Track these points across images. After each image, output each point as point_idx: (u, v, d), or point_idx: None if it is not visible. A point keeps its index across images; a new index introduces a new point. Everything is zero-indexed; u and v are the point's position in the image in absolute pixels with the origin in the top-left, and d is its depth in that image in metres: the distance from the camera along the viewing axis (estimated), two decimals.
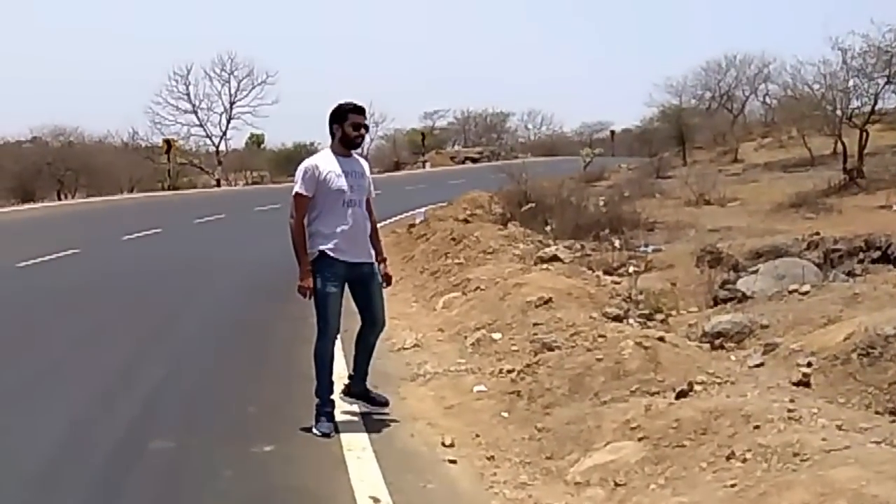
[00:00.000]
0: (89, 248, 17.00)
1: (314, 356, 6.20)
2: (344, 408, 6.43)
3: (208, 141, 54.52)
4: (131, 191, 41.36)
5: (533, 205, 19.05)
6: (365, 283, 6.29)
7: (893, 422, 5.19)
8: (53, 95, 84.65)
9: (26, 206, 31.80)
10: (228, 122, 54.73)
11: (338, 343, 6.53)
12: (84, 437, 5.91)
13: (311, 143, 58.97)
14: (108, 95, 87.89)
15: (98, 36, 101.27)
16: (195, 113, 53.95)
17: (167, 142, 46.03)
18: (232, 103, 54.69)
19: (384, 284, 6.47)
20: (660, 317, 9.36)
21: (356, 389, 6.47)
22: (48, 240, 17.93)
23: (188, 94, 53.58)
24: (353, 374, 6.50)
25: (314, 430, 5.96)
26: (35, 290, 12.38)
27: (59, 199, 37.53)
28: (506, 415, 6.30)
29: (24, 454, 5.54)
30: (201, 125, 54.18)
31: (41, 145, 43.98)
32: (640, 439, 5.18)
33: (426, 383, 7.29)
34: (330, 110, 6.18)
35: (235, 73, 54.46)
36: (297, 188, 6.07)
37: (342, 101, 6.22)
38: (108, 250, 17.44)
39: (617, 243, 15.02)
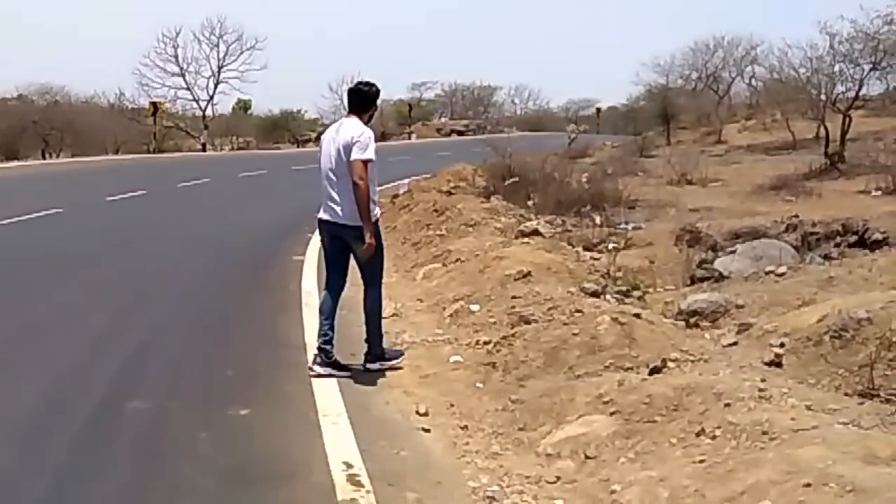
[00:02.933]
0: (73, 208, 16.87)
1: (375, 304, 6.77)
2: (320, 374, 6.48)
3: (195, 105, 54.09)
4: (116, 152, 40.92)
5: (516, 179, 19.05)
6: None
7: (861, 404, 5.25)
8: (40, 54, 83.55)
9: (10, 164, 31.44)
10: (216, 86, 54.30)
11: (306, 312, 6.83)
12: (62, 398, 5.92)
13: (299, 111, 58.84)
14: (96, 55, 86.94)
15: None
16: (183, 76, 53.50)
17: (154, 104, 45.56)
18: (220, 67, 54.21)
19: None
20: (637, 294, 9.44)
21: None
22: (31, 198, 17.75)
23: (176, 57, 53.09)
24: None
25: (395, 363, 6.81)
26: (16, 249, 12.28)
27: (44, 158, 37.17)
28: (481, 385, 6.36)
29: (2, 415, 5.54)
30: (188, 88, 53.74)
31: (27, 103, 43.21)
32: (611, 413, 5.24)
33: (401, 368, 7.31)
34: (371, 89, 6.74)
35: (224, 38, 53.94)
36: (371, 154, 6.45)
37: (376, 83, 6.81)
38: (91, 211, 17.30)
39: (598, 220, 15.10)
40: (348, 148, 6.43)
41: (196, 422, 5.49)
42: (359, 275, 6.85)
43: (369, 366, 6.74)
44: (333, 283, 6.81)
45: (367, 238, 6.41)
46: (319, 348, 6.56)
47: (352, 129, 6.53)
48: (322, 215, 6.71)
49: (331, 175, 6.57)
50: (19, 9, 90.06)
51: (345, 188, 6.47)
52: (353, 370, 6.64)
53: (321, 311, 6.73)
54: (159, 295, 9.56)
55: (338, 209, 6.55)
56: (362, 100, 6.71)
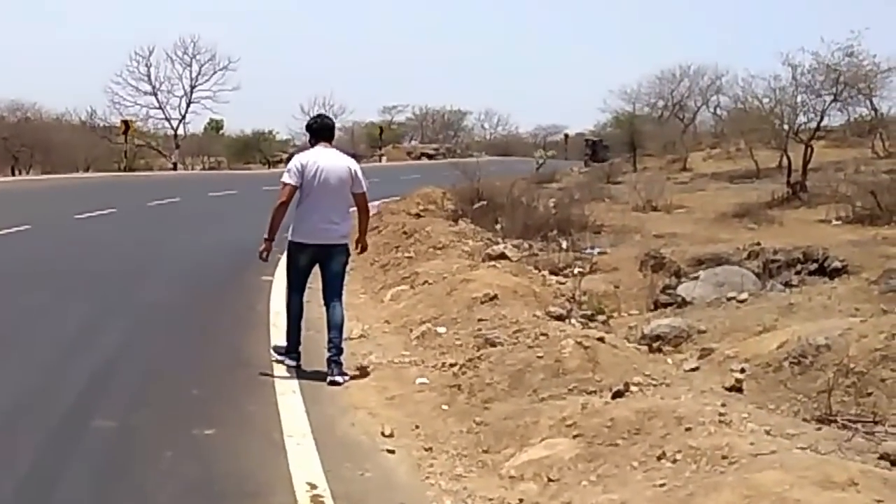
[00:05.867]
0: (41, 225, 16.72)
1: (344, 318, 7.30)
2: (288, 394, 6.50)
3: (167, 124, 54.06)
4: (87, 170, 40.68)
5: (484, 203, 19.15)
6: None
7: (819, 429, 5.35)
8: (11, 70, 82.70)
9: None
10: (188, 105, 54.30)
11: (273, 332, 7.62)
12: (25, 416, 5.88)
13: (270, 132, 58.82)
14: (68, 72, 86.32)
15: (61, 11, 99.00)
16: (155, 95, 53.48)
17: (125, 122, 45.45)
18: (192, 87, 54.25)
19: None
20: (601, 318, 9.52)
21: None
22: None
23: (149, 76, 53.11)
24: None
25: (340, 379, 6.97)
26: None
27: (13, 174, 36.92)
28: (446, 407, 6.38)
29: None
30: (161, 107, 53.72)
31: None
32: (574, 437, 5.27)
33: (369, 374, 7.35)
34: (332, 120, 7.64)
35: (197, 57, 54.05)
36: None
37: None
38: (60, 228, 17.17)
39: (564, 244, 15.18)
40: (349, 178, 7.18)
41: (160, 441, 5.47)
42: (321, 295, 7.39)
43: (340, 378, 6.98)
44: (300, 296, 7.38)
45: (366, 243, 7.65)
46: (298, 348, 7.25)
47: (348, 161, 7.31)
48: (309, 240, 7.17)
49: (332, 201, 7.15)
50: None
51: (343, 212, 7.25)
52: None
53: (299, 317, 7.34)
54: (125, 313, 9.50)
55: (334, 231, 7.18)
56: (331, 130, 7.43)
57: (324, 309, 7.39)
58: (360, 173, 7.27)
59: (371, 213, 17.56)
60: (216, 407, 6.22)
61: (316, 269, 7.38)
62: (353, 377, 7.09)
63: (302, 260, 7.24)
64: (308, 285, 7.50)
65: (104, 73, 75.87)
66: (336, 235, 7.20)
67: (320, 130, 7.35)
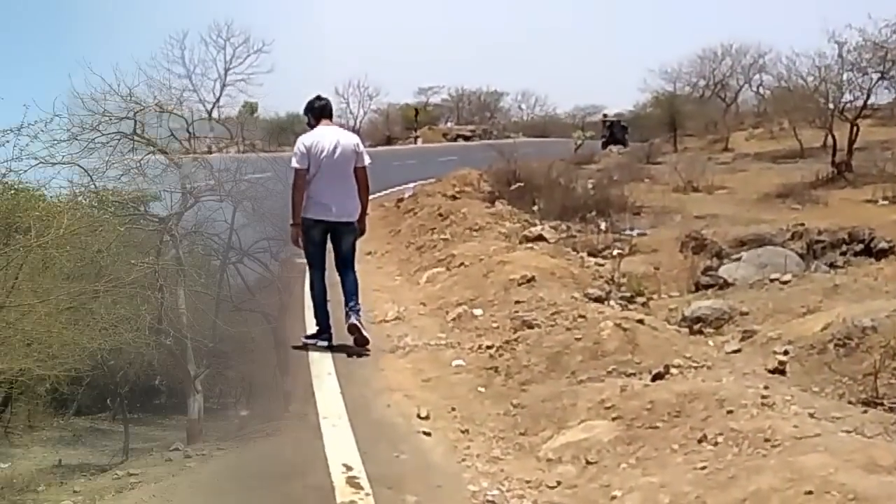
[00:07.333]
0: None
1: (357, 282, 7.40)
2: (323, 376, 6.49)
3: (201, 107, 54.28)
4: None
5: (521, 184, 19.05)
6: None
7: (865, 412, 5.24)
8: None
9: None
10: (222, 88, 54.52)
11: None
12: None
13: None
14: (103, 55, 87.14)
15: None
16: (189, 78, 53.77)
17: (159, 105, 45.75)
18: (226, 70, 54.43)
19: None
20: (641, 300, 9.42)
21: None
22: None
23: (183, 59, 53.38)
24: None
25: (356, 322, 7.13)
26: None
27: None
28: (482, 390, 6.34)
29: None
30: (195, 90, 53.98)
31: None
32: (613, 419, 5.22)
33: (405, 356, 7.32)
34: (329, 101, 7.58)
35: (231, 40, 54.16)
36: None
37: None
38: None
39: (603, 226, 15.07)
40: (353, 155, 7.25)
41: None
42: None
43: (357, 322, 7.17)
44: (321, 274, 7.40)
45: (365, 227, 7.48)
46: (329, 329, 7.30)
47: (351, 137, 7.43)
48: (322, 216, 7.21)
49: (340, 177, 7.20)
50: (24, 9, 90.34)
51: (351, 189, 7.27)
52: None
53: (324, 298, 7.32)
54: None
55: (345, 207, 7.24)
56: (330, 109, 7.57)
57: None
58: (363, 148, 7.40)
59: (406, 196, 17.85)
60: (251, 388, 6.23)
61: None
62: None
63: (316, 234, 7.29)
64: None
65: (138, 56, 76.41)
66: (345, 212, 7.28)
67: (322, 110, 7.44)
